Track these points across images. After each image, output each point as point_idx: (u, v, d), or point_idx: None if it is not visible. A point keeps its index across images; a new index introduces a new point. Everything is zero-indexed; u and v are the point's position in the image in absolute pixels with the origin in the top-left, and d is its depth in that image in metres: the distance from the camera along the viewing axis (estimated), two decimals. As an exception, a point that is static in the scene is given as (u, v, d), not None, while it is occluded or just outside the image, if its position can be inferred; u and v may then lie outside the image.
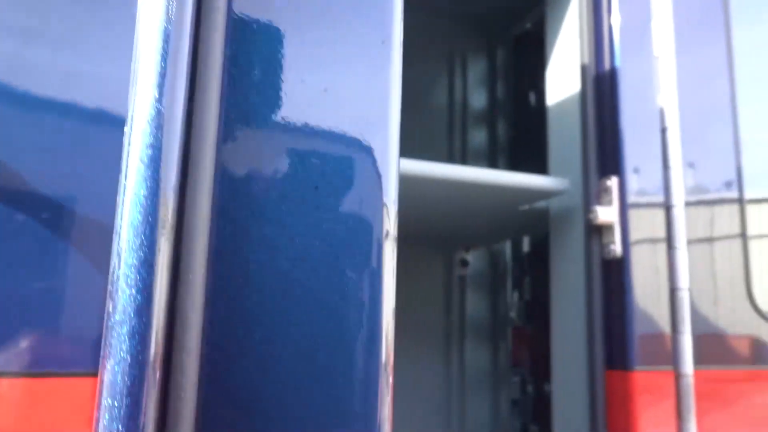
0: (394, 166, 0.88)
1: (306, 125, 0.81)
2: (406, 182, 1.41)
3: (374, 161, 0.85)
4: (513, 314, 2.30)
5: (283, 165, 0.77)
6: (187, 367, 0.62)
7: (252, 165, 0.75)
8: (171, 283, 0.62)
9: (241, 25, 0.77)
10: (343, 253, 0.79)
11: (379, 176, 0.85)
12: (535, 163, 1.91)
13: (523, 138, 2.27)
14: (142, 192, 0.62)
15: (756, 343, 1.37)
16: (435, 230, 2.10)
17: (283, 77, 0.80)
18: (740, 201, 1.42)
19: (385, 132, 0.89)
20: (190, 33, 0.68)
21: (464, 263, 2.31)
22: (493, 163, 2.42)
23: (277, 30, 0.80)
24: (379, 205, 0.84)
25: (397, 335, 1.50)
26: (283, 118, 0.78)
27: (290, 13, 0.82)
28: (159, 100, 0.64)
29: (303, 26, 0.83)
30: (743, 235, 1.40)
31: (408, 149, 2.06)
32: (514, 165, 2.32)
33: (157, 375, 0.60)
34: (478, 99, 2.48)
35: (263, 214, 0.75)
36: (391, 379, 0.82)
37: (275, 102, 0.79)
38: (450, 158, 2.37)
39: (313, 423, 0.74)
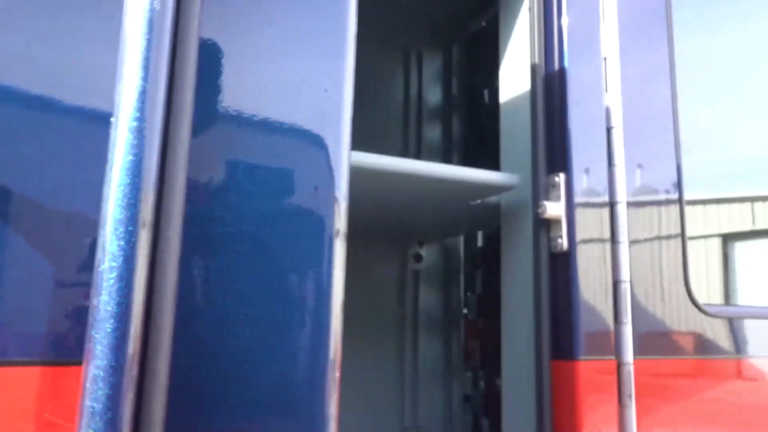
0: (345, 161, 0.91)
1: (263, 120, 0.86)
2: (360, 175, 1.42)
3: (328, 156, 0.90)
4: (465, 309, 2.34)
5: (246, 162, 0.84)
6: (160, 358, 0.71)
7: (216, 164, 0.83)
8: (149, 276, 0.69)
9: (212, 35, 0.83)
10: (298, 249, 0.85)
11: (331, 171, 0.90)
12: (488, 159, 1.94)
13: (477, 134, 2.31)
14: (124, 192, 0.69)
15: (693, 334, 1.43)
16: (389, 225, 2.11)
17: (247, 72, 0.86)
18: (680, 200, 1.48)
19: (338, 126, 0.93)
20: (170, 42, 0.75)
21: (418, 258, 2.33)
22: (447, 159, 2.44)
23: (241, 30, 0.86)
24: (331, 200, 0.88)
25: (351, 329, 1.55)
26: (248, 113, 0.84)
27: (249, 15, 0.87)
28: (140, 107, 0.71)
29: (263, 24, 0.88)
30: (682, 233, 1.46)
31: (362, 143, 2.08)
32: (468, 161, 2.35)
33: (136, 360, 0.68)
34: (433, 95, 2.51)
35: (224, 213, 0.83)
36: (338, 374, 0.86)
37: (236, 100, 0.86)
38: (404, 153, 2.39)
39: (261, 413, 0.77)
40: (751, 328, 1.49)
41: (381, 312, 2.27)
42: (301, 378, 0.82)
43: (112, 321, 0.65)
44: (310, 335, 0.83)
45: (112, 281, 0.66)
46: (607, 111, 1.41)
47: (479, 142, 2.28)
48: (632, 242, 1.38)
